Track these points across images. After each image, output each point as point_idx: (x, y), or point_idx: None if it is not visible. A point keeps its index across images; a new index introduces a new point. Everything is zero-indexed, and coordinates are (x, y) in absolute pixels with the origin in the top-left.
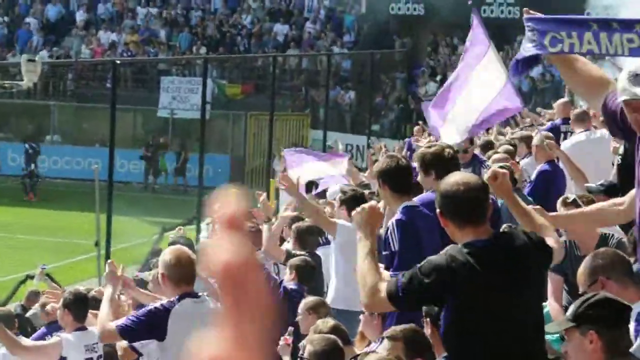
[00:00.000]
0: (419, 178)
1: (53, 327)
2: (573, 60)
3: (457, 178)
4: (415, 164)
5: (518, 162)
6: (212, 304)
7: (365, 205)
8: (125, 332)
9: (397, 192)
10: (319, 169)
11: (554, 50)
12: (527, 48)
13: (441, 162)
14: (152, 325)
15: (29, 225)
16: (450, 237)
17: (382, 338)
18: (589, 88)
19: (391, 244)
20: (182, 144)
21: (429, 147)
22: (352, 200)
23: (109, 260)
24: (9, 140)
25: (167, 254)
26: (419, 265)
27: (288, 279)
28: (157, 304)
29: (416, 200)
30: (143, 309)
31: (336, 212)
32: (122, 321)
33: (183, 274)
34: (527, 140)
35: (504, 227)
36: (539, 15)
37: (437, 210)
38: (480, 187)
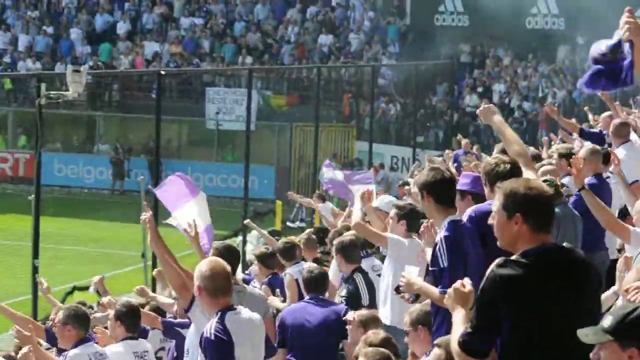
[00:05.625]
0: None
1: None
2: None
3: (534, 183)
4: (468, 176)
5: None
6: (245, 314)
7: (451, 291)
8: None
9: (440, 205)
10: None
11: None
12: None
13: (499, 178)
14: (228, 348)
15: (75, 236)
16: (512, 239)
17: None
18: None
19: (439, 261)
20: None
21: (494, 162)
22: (411, 214)
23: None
24: (55, 151)
25: (202, 265)
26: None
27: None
28: (208, 333)
29: (470, 210)
30: (209, 347)
31: (391, 226)
32: None
33: (219, 286)
34: (567, 156)
35: (565, 244)
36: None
37: (505, 212)
38: (553, 196)
